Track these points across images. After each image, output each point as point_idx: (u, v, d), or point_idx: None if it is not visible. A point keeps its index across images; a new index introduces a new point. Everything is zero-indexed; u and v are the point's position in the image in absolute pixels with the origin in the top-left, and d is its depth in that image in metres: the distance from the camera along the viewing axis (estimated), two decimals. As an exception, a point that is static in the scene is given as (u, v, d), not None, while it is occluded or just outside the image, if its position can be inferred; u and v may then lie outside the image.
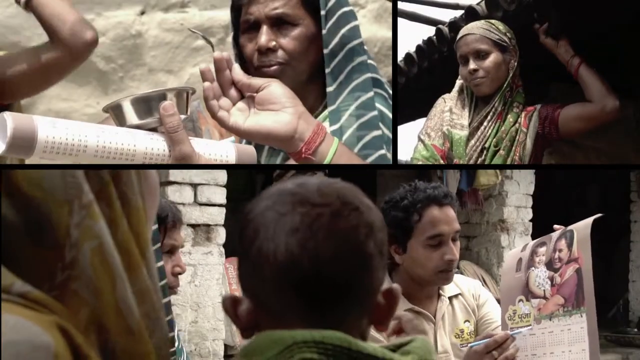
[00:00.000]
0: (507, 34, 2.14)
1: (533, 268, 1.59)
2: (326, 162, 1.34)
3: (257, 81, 1.37)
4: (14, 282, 0.64)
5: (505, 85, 2.15)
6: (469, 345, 1.58)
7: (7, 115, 1.14)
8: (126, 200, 0.73)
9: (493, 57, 2.13)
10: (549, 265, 1.57)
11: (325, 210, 0.74)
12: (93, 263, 0.67)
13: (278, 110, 1.35)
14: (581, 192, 6.95)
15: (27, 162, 1.16)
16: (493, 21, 2.19)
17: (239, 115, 1.36)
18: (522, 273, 1.61)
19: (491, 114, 2.18)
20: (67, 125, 1.19)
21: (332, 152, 1.35)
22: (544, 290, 1.56)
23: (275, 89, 1.36)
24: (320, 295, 0.73)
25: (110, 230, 0.70)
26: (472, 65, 2.14)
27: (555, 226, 1.61)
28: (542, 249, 1.60)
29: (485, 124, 2.19)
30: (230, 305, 0.78)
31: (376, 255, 0.75)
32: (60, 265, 0.66)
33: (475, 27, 2.16)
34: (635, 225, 6.47)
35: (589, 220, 1.52)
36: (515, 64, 2.14)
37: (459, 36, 2.20)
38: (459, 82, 2.26)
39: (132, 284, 0.71)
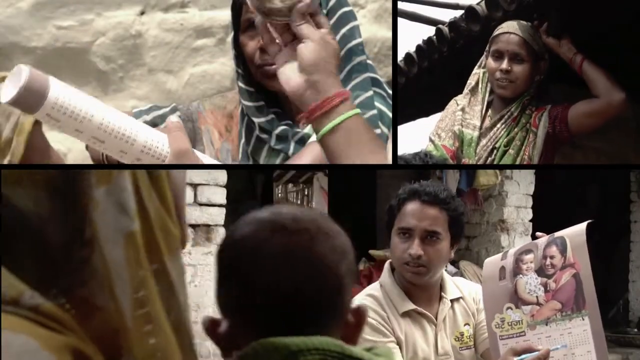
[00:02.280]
0: (545, 46, 2.16)
1: (521, 275, 1.58)
2: (326, 129, 1.29)
3: (298, 31, 1.31)
4: (23, 293, 0.58)
5: (526, 93, 2.17)
6: (520, 357, 1.48)
7: (25, 66, 1.16)
8: (150, 174, 0.70)
9: (527, 66, 2.15)
10: (540, 272, 1.56)
11: (301, 237, 0.80)
12: (112, 260, 0.63)
13: (298, 70, 1.31)
14: (581, 192, 6.93)
15: (33, 120, 1.18)
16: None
17: (281, 57, 1.33)
18: (508, 281, 1.60)
19: (506, 117, 2.20)
20: (78, 93, 1.21)
21: (332, 124, 1.29)
22: (537, 297, 1.56)
23: (304, 52, 1.30)
24: (300, 314, 0.79)
25: (140, 214, 0.67)
26: (506, 65, 2.15)
27: (538, 233, 1.61)
28: (529, 257, 1.59)
29: (498, 125, 2.20)
30: (210, 326, 0.82)
31: (347, 276, 0.82)
32: (71, 265, 0.61)
33: (521, 30, 2.16)
34: (635, 225, 6.46)
35: (582, 226, 1.52)
36: (542, 77, 2.17)
37: (501, 30, 2.19)
38: (474, 77, 2.26)
39: (174, 266, 0.69)
